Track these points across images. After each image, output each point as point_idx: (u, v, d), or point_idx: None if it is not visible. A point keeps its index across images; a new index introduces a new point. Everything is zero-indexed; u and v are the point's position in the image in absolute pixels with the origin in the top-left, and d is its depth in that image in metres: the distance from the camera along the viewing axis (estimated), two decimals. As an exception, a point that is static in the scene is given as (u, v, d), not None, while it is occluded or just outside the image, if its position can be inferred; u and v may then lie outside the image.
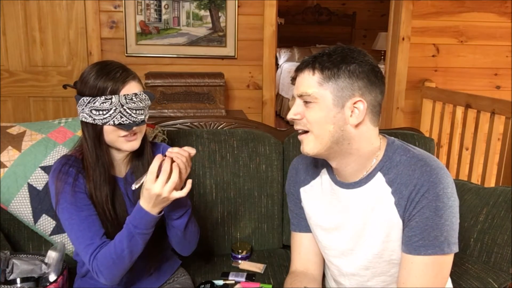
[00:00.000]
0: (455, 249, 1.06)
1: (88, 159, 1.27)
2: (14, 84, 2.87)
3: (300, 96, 1.09)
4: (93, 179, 1.27)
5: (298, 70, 1.11)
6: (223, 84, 2.72)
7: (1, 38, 2.79)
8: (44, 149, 1.64)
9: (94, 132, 1.25)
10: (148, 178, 1.12)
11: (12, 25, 2.79)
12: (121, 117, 1.22)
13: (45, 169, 1.62)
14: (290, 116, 1.12)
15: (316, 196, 1.25)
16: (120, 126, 1.23)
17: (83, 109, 1.24)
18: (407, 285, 1.07)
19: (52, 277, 1.37)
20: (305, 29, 6.47)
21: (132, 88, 1.24)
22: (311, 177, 1.27)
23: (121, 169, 1.36)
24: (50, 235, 1.63)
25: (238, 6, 2.92)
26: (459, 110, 2.88)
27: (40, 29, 2.82)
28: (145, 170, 1.35)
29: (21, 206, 1.61)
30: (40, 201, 1.61)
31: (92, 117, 1.23)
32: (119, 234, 1.20)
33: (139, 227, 1.17)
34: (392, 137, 1.18)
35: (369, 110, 1.08)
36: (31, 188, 1.60)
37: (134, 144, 1.29)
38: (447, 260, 1.07)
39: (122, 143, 1.27)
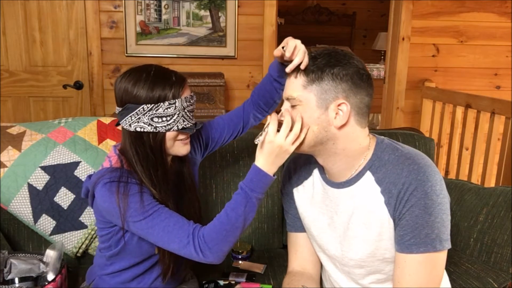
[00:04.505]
0: (447, 245, 1.07)
1: (143, 172, 1.20)
2: (14, 84, 2.87)
3: (287, 99, 1.12)
4: (159, 191, 1.21)
5: (286, 73, 1.14)
6: (223, 84, 2.72)
7: (1, 38, 2.79)
8: (44, 149, 1.64)
9: (154, 141, 1.20)
10: (270, 130, 1.09)
11: (12, 25, 2.79)
12: (184, 121, 1.20)
13: (45, 169, 1.62)
14: (278, 117, 1.14)
15: (309, 196, 1.26)
16: (184, 130, 1.21)
17: (139, 118, 1.18)
18: (402, 284, 1.08)
19: (50, 276, 1.38)
20: (305, 29, 6.45)
21: (188, 90, 1.23)
22: (304, 177, 1.28)
23: (170, 175, 1.32)
24: (50, 235, 1.63)
25: (238, 6, 2.92)
26: (459, 110, 2.88)
27: (40, 29, 2.82)
28: (188, 173, 1.34)
29: (21, 206, 1.61)
30: (40, 201, 1.61)
31: (153, 125, 1.18)
32: (229, 203, 1.15)
33: (256, 191, 1.13)
34: (382, 136, 1.18)
35: (355, 112, 1.09)
36: (31, 188, 1.61)
37: (189, 147, 1.27)
38: (440, 257, 1.08)
39: (180, 148, 1.25)
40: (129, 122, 1.19)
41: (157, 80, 1.18)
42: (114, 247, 1.28)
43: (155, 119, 1.18)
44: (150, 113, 1.17)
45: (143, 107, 1.17)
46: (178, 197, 1.32)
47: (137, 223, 1.16)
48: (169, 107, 1.18)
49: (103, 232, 1.28)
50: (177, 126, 1.20)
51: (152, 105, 1.17)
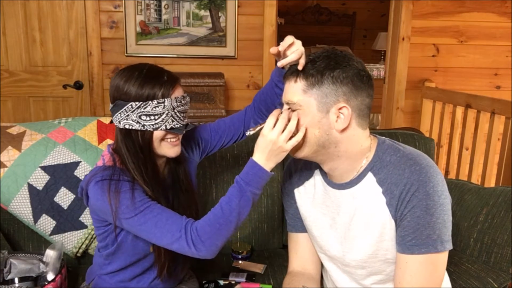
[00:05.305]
0: (449, 246, 1.07)
1: (135, 169, 1.20)
2: (14, 84, 2.87)
3: (287, 103, 1.11)
4: (152, 189, 1.20)
5: (285, 77, 1.13)
6: (223, 84, 2.72)
7: (1, 38, 2.79)
8: (44, 149, 1.64)
9: (142, 139, 1.20)
10: (266, 125, 1.08)
11: (12, 25, 2.79)
12: (172, 121, 1.19)
13: (45, 169, 1.62)
14: (278, 113, 1.13)
15: (310, 196, 1.26)
16: (172, 130, 1.20)
17: (128, 115, 1.18)
18: (403, 285, 1.08)
19: (50, 276, 1.38)
20: (305, 29, 6.45)
21: (179, 90, 1.22)
22: (305, 178, 1.28)
23: (163, 175, 1.32)
24: (50, 235, 1.63)
25: (238, 6, 2.92)
26: (459, 110, 2.89)
27: (40, 29, 2.82)
28: (184, 174, 1.33)
29: (21, 206, 1.61)
30: (40, 201, 1.61)
31: (141, 123, 1.17)
32: (224, 197, 1.14)
33: (251, 184, 1.11)
34: (383, 137, 1.18)
35: (356, 115, 1.08)
36: (31, 188, 1.61)
37: (178, 149, 1.25)
38: (442, 258, 1.08)
39: (168, 149, 1.23)
40: (118, 119, 1.19)
41: (147, 79, 1.18)
42: (110, 246, 1.28)
43: (143, 117, 1.17)
44: (138, 111, 1.17)
45: (131, 105, 1.17)
46: (174, 197, 1.31)
47: (129, 220, 1.16)
48: (158, 106, 1.17)
49: (100, 231, 1.28)
50: (165, 125, 1.18)
51: (141, 102, 1.16)
